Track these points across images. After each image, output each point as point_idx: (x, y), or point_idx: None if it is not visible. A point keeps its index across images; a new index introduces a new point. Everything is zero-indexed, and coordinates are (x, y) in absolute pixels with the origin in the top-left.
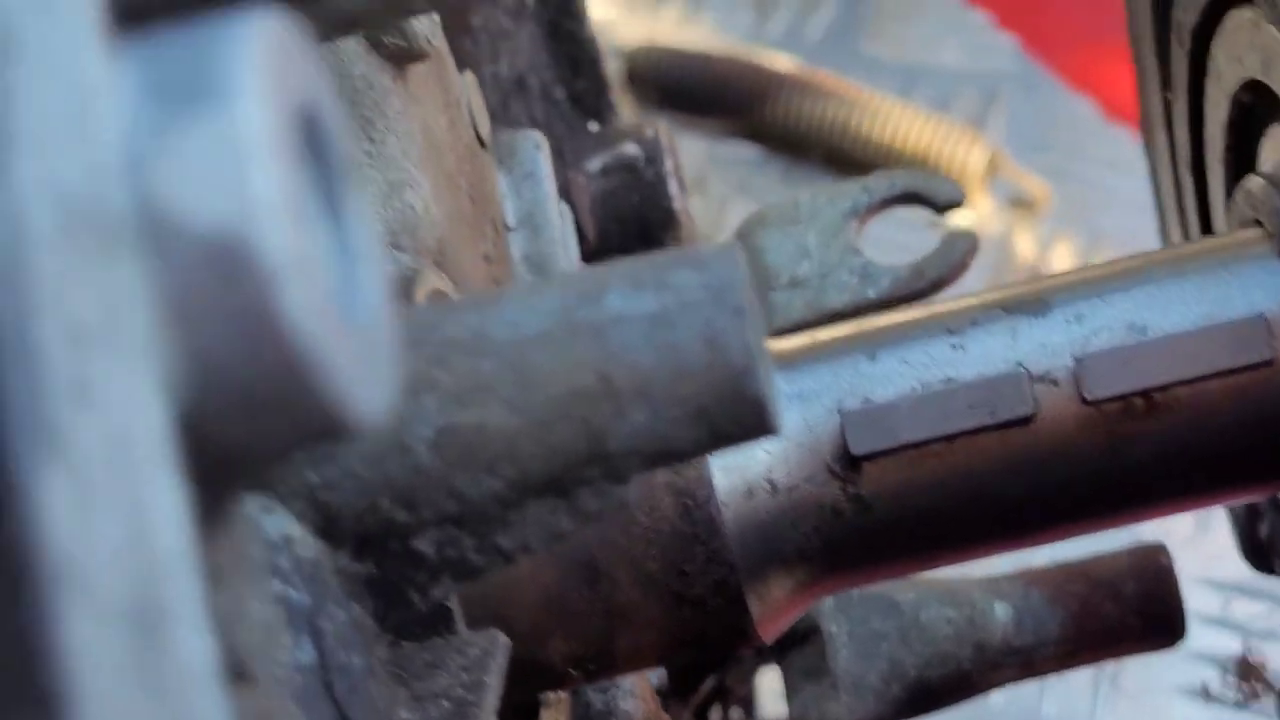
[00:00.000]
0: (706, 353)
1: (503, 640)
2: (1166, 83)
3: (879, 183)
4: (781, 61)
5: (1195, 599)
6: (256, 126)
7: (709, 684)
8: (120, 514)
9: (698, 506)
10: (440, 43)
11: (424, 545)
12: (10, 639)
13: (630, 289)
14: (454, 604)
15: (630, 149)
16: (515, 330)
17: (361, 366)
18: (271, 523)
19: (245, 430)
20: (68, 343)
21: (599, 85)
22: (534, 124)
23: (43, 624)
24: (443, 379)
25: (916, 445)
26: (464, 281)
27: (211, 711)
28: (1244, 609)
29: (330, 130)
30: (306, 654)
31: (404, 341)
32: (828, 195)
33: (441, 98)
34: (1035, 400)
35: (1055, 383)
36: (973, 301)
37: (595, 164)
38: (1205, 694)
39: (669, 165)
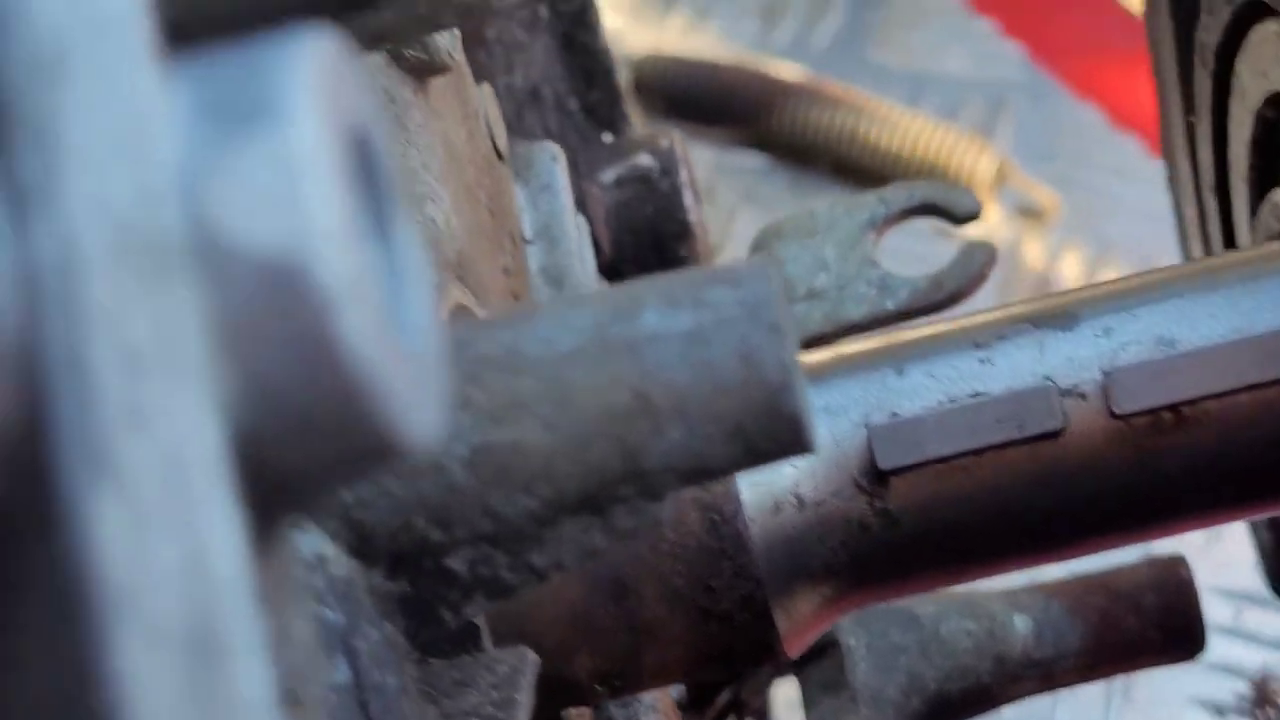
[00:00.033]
0: (742, 370)
1: (531, 657)
2: (1190, 107)
3: (896, 194)
4: (788, 70)
5: (1207, 608)
6: (311, 148)
7: (724, 697)
8: (175, 540)
9: (725, 522)
10: (460, 55)
11: (457, 564)
12: (65, 666)
13: (665, 306)
14: (481, 621)
15: (645, 160)
16: (550, 347)
17: (414, 389)
18: (306, 541)
19: (299, 454)
20: (121, 367)
21: (613, 96)
22: (548, 135)
23: (98, 651)
24: (478, 396)
25: (944, 460)
26: (484, 294)
27: None
28: (1256, 619)
29: (380, 150)
30: (342, 674)
31: None
32: (845, 207)
33: (460, 110)
34: (1064, 414)
35: (1084, 397)
36: (999, 315)
37: (609, 175)
38: (1218, 712)
39: (684, 176)
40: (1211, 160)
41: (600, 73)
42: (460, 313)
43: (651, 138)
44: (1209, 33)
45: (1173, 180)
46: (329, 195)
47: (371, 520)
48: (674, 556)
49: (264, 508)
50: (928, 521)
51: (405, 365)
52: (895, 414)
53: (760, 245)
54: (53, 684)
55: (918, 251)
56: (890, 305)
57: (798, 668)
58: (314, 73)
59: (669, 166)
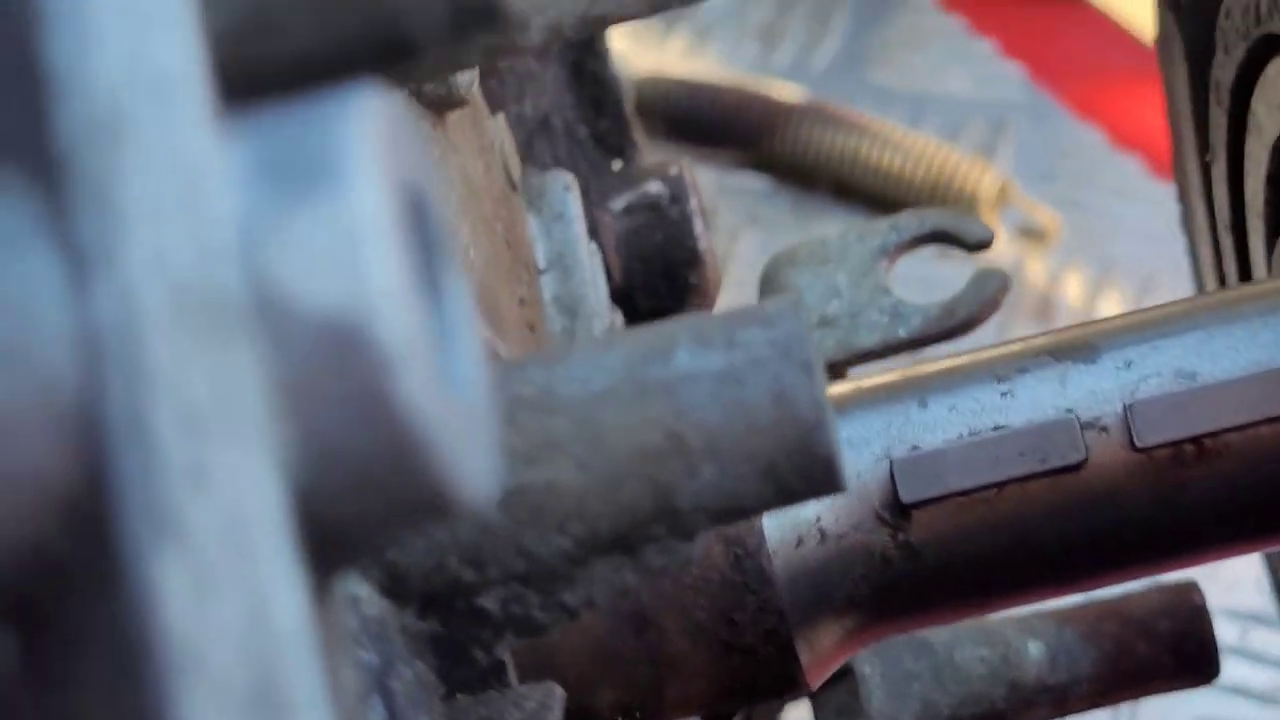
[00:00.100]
0: (775, 409)
1: (559, 692)
2: (1205, 146)
3: (908, 222)
4: (789, 92)
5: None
6: (371, 209)
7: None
8: (238, 598)
9: (748, 555)
10: (477, 89)
11: (489, 603)
12: None
13: (697, 346)
14: (508, 657)
15: (655, 187)
16: (583, 388)
17: (468, 444)
18: (338, 582)
19: (355, 510)
20: (182, 427)
21: (622, 124)
22: (558, 163)
23: (160, 706)
24: (512, 437)
25: (966, 493)
26: (501, 325)
27: None
28: (1263, 639)
29: (433, 205)
30: (378, 715)
31: None
32: (856, 234)
33: (477, 143)
34: (1085, 447)
35: (1105, 429)
36: (1020, 347)
37: (619, 203)
38: None
39: (694, 204)
40: (1228, 199)
41: (610, 101)
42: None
43: (661, 165)
44: (1224, 70)
45: (1188, 222)
46: (387, 256)
47: (405, 561)
48: (697, 590)
49: (319, 561)
50: (949, 554)
51: (459, 420)
52: (917, 447)
53: (772, 273)
54: None
55: (922, 274)
56: (903, 333)
57: (812, 695)
58: (371, 132)
59: (679, 194)
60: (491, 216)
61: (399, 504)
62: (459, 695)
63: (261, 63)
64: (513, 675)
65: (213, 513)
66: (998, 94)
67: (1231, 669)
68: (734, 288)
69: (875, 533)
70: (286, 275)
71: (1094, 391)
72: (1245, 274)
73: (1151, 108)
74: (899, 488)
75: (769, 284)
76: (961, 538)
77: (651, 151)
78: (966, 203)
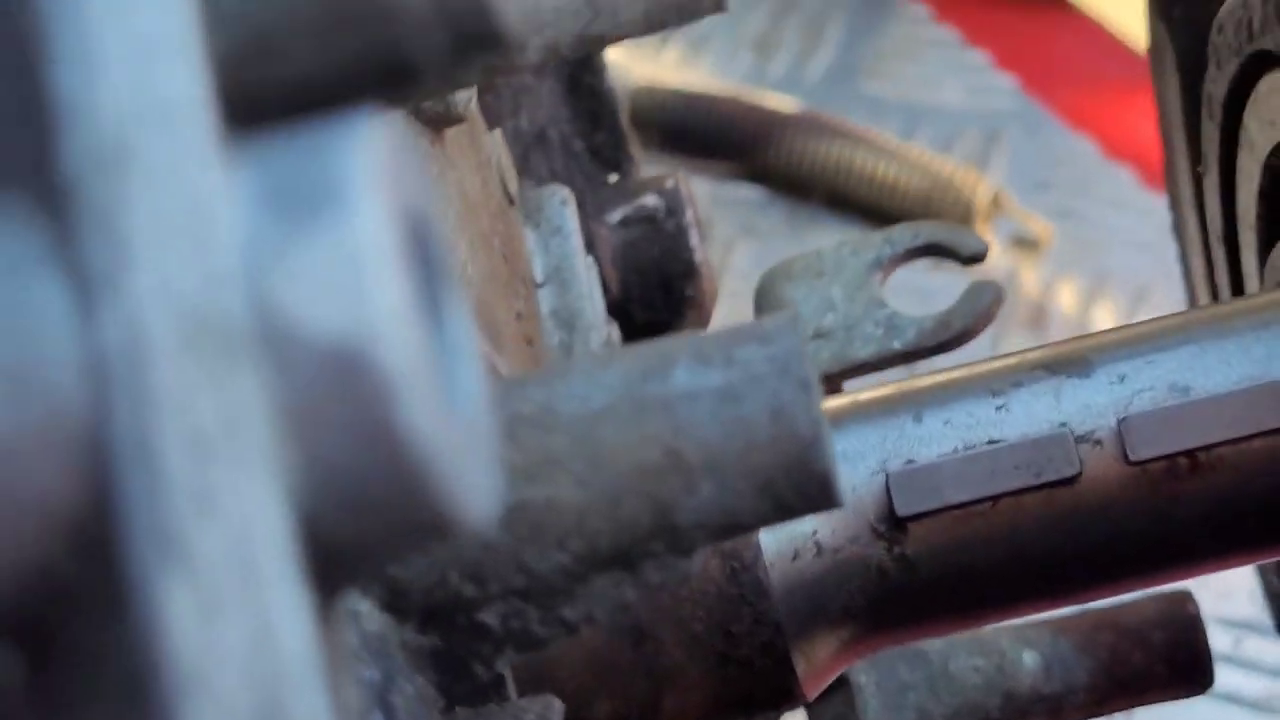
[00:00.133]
0: (773, 426)
1: (558, 705)
2: (1197, 158)
3: (902, 235)
4: (783, 102)
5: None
6: (374, 237)
7: None
8: (243, 621)
9: (744, 568)
10: (474, 105)
11: (489, 618)
12: None
13: (696, 363)
14: (507, 670)
15: (651, 200)
16: (583, 405)
17: (471, 469)
18: (341, 600)
19: (359, 532)
20: (189, 451)
21: (618, 138)
22: (554, 176)
23: None
24: (512, 454)
25: (961, 506)
26: (499, 340)
27: None
28: (1256, 647)
29: (435, 230)
30: None
31: None
32: (851, 248)
33: (474, 158)
34: (1080, 461)
35: (1099, 443)
36: (1015, 362)
37: (615, 216)
38: None
39: (689, 216)
40: (1220, 211)
41: (606, 114)
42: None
43: (657, 178)
44: (1216, 85)
45: (1179, 230)
46: (390, 283)
47: (406, 576)
48: (694, 602)
49: (323, 582)
50: (945, 567)
51: (461, 444)
52: (912, 461)
53: (767, 286)
54: None
55: (915, 283)
56: (897, 345)
57: (808, 705)
58: (373, 159)
59: (675, 207)
60: (489, 231)
61: (402, 526)
62: (459, 709)
63: (264, 87)
64: (512, 689)
65: (218, 536)
66: (991, 104)
67: (1225, 677)
68: (730, 298)
69: (871, 546)
70: (291, 302)
71: (1088, 405)
72: (1237, 284)
73: (1144, 118)
74: (894, 501)
75: (764, 297)
76: (957, 551)
77: (647, 162)
78: (960, 213)
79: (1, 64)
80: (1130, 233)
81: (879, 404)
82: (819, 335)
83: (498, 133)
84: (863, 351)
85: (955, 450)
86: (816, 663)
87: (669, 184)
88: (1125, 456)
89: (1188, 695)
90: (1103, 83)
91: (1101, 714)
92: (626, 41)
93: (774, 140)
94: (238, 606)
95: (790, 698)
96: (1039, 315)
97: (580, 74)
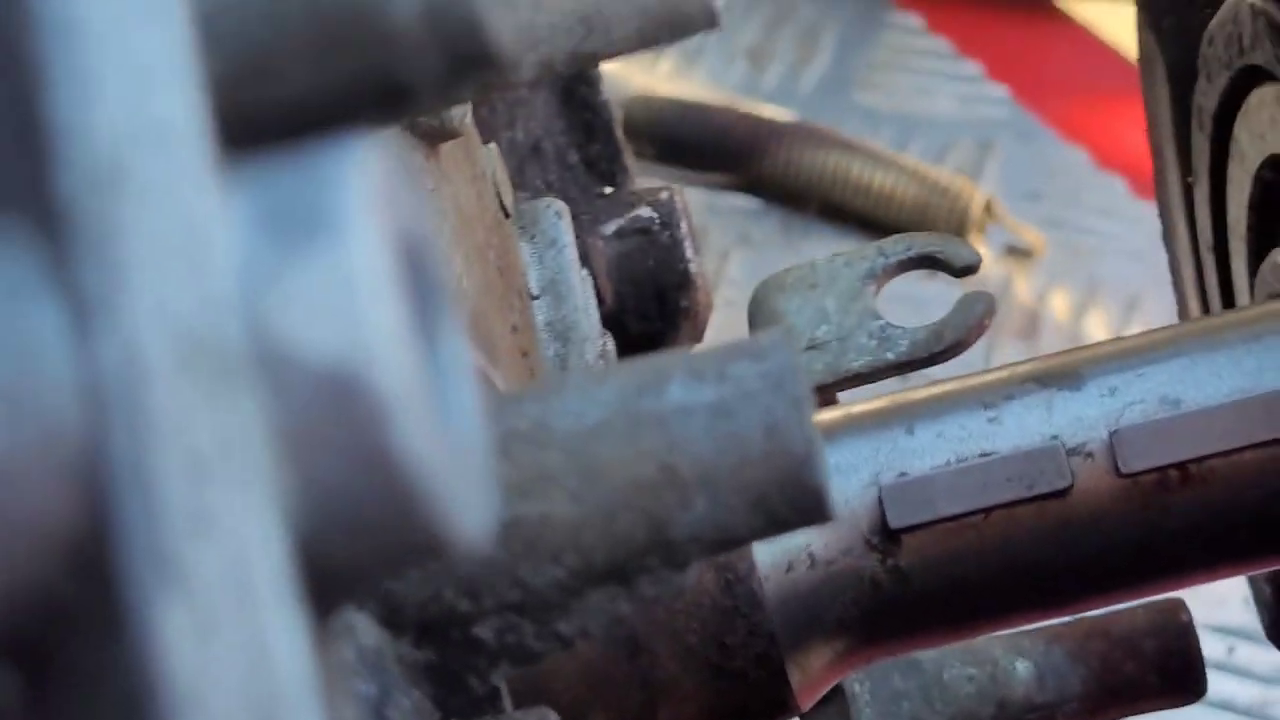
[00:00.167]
0: (767, 442)
1: (553, 717)
2: (1187, 169)
3: (895, 246)
4: (777, 113)
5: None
6: (368, 261)
7: None
8: (240, 642)
9: (739, 580)
10: (469, 119)
11: (485, 632)
12: None
13: (690, 379)
14: (502, 683)
15: (645, 212)
16: (577, 421)
17: (465, 490)
18: (337, 618)
19: (355, 553)
20: (186, 473)
21: (613, 150)
22: (549, 188)
23: None
24: (507, 470)
25: (954, 518)
26: (494, 352)
27: None
28: (1249, 654)
29: (429, 251)
30: None
31: None
32: (844, 259)
33: (469, 171)
34: (1071, 473)
35: (1090, 456)
36: (1006, 375)
37: (610, 227)
38: None
39: (684, 228)
40: (1210, 221)
41: (600, 127)
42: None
43: (651, 190)
44: (1206, 97)
45: (1169, 239)
46: (384, 306)
47: (401, 592)
48: (688, 614)
49: (319, 602)
50: (938, 579)
51: (456, 465)
52: (905, 473)
53: (761, 297)
54: None
55: (907, 292)
56: (891, 356)
57: (802, 715)
58: (368, 183)
59: (669, 218)
60: (484, 244)
61: (397, 546)
62: None
63: (259, 109)
64: (507, 701)
65: (215, 557)
66: (984, 114)
67: (1219, 684)
68: (725, 308)
69: (865, 558)
70: (286, 325)
71: (1080, 418)
72: (1227, 294)
73: (1136, 128)
74: (888, 513)
75: (758, 308)
76: (950, 562)
77: (642, 173)
78: (954, 222)
79: None
80: (1122, 241)
81: (871, 417)
82: (813, 346)
83: (493, 146)
84: (856, 363)
85: (948, 463)
86: (811, 674)
87: (663, 196)
88: (1116, 469)
89: (1181, 703)
90: (1094, 93)
91: None
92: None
93: (769, 150)
94: (234, 627)
95: (785, 709)
96: (1032, 324)
97: (575, 87)
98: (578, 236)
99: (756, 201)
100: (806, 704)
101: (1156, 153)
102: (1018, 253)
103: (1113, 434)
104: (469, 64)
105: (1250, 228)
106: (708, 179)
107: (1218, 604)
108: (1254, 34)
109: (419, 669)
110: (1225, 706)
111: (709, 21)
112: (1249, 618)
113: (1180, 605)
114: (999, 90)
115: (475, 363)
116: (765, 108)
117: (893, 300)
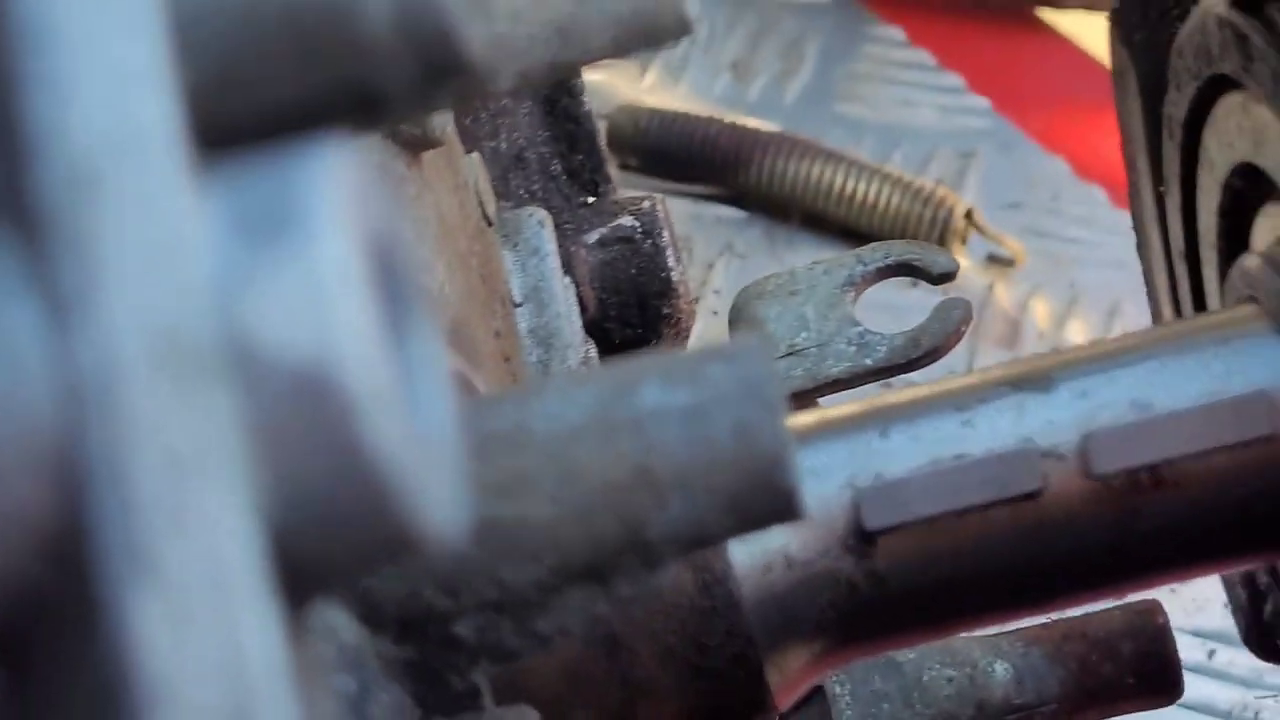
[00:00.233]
0: (739, 444)
1: (533, 715)
2: (1159, 178)
3: (874, 254)
4: (761, 124)
5: (1179, 649)
6: (339, 262)
7: None
8: (214, 635)
9: (716, 582)
10: (451, 128)
11: (464, 630)
12: None
13: (665, 383)
14: (483, 680)
15: (627, 221)
16: (555, 423)
17: (436, 486)
18: (314, 609)
19: (328, 548)
20: (161, 470)
21: (596, 160)
22: (532, 198)
23: None
24: (485, 471)
25: (929, 520)
26: (477, 358)
27: None
28: (1228, 658)
29: (401, 252)
30: None
31: None
32: (824, 267)
33: (451, 180)
34: (1043, 475)
35: (1062, 458)
36: (979, 379)
37: (593, 236)
38: None
39: (666, 236)
40: (1181, 229)
41: (583, 136)
42: (456, 379)
43: (634, 199)
44: (1176, 107)
45: (1143, 248)
46: (354, 306)
47: (381, 589)
48: (667, 615)
49: (293, 596)
50: (914, 580)
51: (426, 462)
52: (880, 476)
53: (742, 304)
54: None
55: (886, 299)
56: (869, 362)
57: (782, 716)
58: (339, 185)
59: (651, 227)
60: (467, 252)
61: (369, 541)
62: (435, 719)
63: (234, 114)
64: (488, 698)
65: (190, 553)
66: (965, 125)
67: (1199, 687)
68: (709, 317)
69: (841, 559)
70: (259, 325)
71: (1051, 421)
72: (1199, 300)
73: (1115, 140)
74: (863, 516)
75: (739, 315)
76: (925, 564)
77: (625, 183)
78: (935, 232)
79: None
80: (1101, 250)
81: (847, 420)
82: (792, 353)
83: (475, 155)
84: (835, 369)
85: (922, 465)
86: (789, 674)
87: (645, 205)
88: (1088, 471)
89: (1158, 705)
90: (1075, 104)
91: None
92: (606, 64)
93: (752, 161)
94: (208, 620)
95: (763, 709)
96: (1014, 332)
97: (558, 97)
98: (560, 245)
99: (741, 212)
100: (785, 704)
101: (1130, 165)
102: (999, 261)
103: (1084, 437)
104: (443, 72)
105: (1220, 234)
106: (692, 190)
107: (1198, 609)
108: (1221, 44)
109: (399, 666)
110: (1205, 709)
111: (682, 29)
112: (1228, 622)
113: (1157, 607)
114: (980, 102)
115: (457, 367)
116: (749, 120)
117: (872, 307)
